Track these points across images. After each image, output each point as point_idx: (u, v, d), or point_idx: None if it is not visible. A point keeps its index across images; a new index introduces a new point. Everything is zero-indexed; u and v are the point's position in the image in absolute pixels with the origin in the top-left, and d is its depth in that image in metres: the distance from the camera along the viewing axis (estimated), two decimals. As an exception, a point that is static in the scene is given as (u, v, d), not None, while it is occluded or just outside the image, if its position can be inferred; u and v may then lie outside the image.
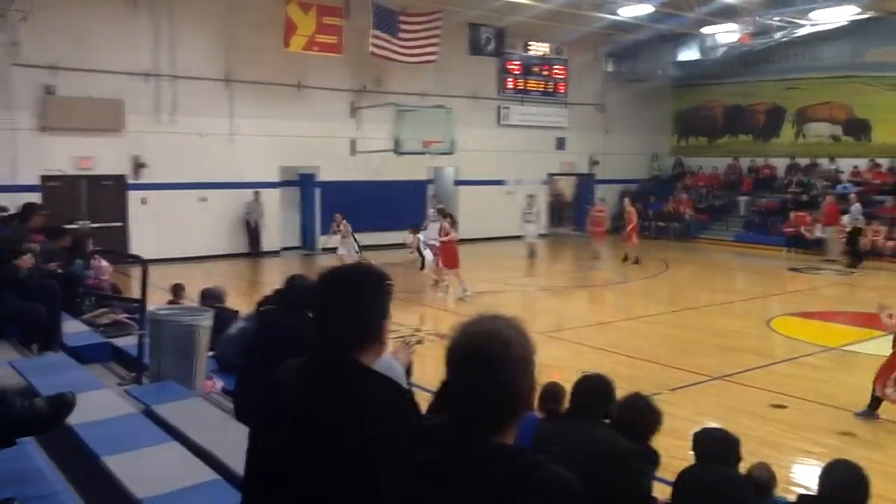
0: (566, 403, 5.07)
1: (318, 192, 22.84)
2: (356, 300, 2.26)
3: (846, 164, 25.75)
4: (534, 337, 1.83)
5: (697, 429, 4.69)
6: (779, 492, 5.65)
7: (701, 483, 4.15)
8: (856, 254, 20.85)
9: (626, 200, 22.59)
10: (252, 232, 21.35)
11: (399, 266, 19.97)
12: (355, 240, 18.55)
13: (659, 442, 4.69)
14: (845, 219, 21.27)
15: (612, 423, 4.43)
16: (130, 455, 4.09)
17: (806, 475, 6.79)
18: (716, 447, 4.31)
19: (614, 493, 3.46)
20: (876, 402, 8.45)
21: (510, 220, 25.76)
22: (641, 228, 28.16)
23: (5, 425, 3.41)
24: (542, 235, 25.76)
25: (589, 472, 1.87)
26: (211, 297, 9.06)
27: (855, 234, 20.92)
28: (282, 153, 21.70)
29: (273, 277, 17.13)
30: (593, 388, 4.36)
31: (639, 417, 4.46)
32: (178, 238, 19.37)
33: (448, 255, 16.34)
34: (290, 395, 2.21)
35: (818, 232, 23.08)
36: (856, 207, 21.33)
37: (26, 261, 6.80)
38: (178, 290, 10.58)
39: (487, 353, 1.75)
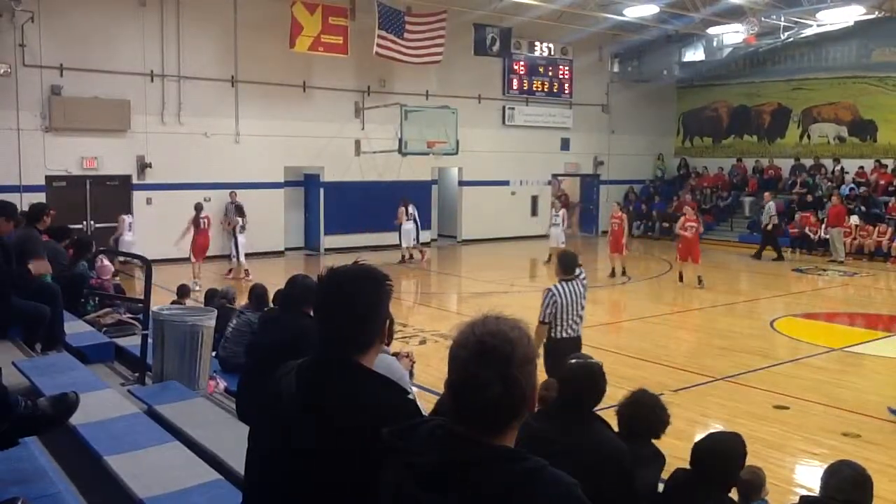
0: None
1: (322, 193, 22.85)
2: (356, 301, 2.27)
3: (851, 165, 25.71)
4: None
5: (702, 436, 4.38)
6: (781, 492, 5.65)
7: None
8: (774, 247, 22.65)
9: (615, 204, 21.02)
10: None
11: (400, 266, 20.03)
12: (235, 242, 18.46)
13: (660, 443, 4.67)
14: (763, 216, 22.96)
15: (618, 420, 4.37)
16: (133, 455, 4.10)
17: (808, 476, 6.79)
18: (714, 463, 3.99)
19: (606, 495, 3.39)
20: None
21: (514, 220, 25.86)
22: (645, 229, 28.27)
23: (8, 425, 3.43)
24: (543, 237, 25.81)
25: (580, 474, 1.85)
26: (218, 298, 9.10)
27: (771, 230, 22.67)
28: (286, 153, 21.74)
29: (276, 278, 17.17)
30: (580, 376, 3.95)
31: (643, 415, 4.34)
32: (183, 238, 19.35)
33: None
34: (290, 396, 2.22)
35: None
36: (770, 205, 22.71)
37: (41, 266, 6.75)
38: (183, 292, 10.63)
39: (492, 353, 1.75)
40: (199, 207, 17.94)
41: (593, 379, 3.94)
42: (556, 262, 7.83)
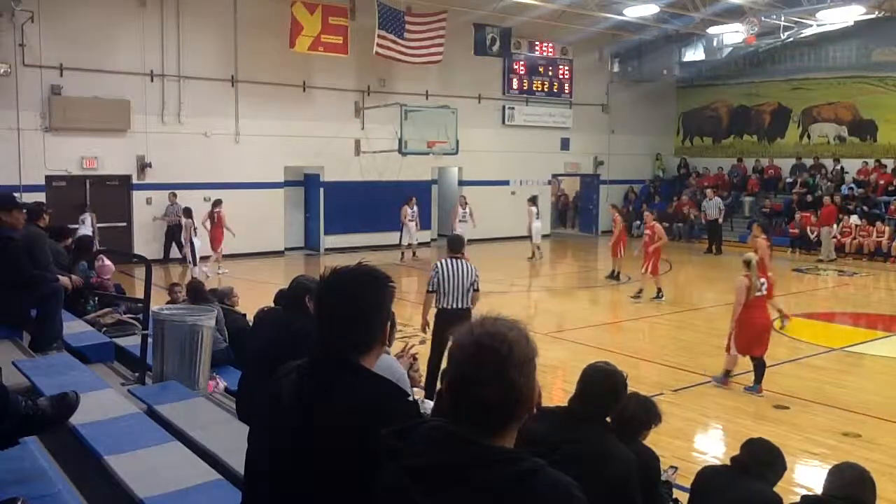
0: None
1: (322, 193, 22.85)
2: (357, 301, 2.27)
3: (851, 165, 25.71)
4: (536, 338, 1.84)
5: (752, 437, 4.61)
6: (781, 492, 5.64)
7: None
8: (715, 242, 24.06)
9: (610, 207, 19.61)
10: (170, 235, 19.80)
11: (402, 266, 20.03)
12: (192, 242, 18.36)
13: (661, 443, 4.69)
14: (709, 211, 24.49)
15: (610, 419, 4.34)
16: (133, 455, 4.10)
17: (808, 476, 6.79)
18: (757, 458, 4.26)
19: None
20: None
21: (514, 220, 25.82)
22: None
23: (8, 425, 3.42)
24: (545, 236, 25.81)
25: (584, 482, 1.84)
26: (207, 294, 9.01)
27: (714, 225, 24.24)
28: (287, 153, 21.73)
29: (276, 278, 17.16)
30: (602, 384, 3.76)
31: (629, 417, 4.30)
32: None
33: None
34: (290, 396, 2.22)
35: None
36: (716, 201, 24.55)
37: (70, 282, 7.24)
38: (172, 289, 10.67)
39: (489, 353, 1.75)
40: (214, 203, 18.69)
41: (615, 389, 3.81)
42: (446, 242, 9.08)
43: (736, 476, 4.21)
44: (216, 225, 18.57)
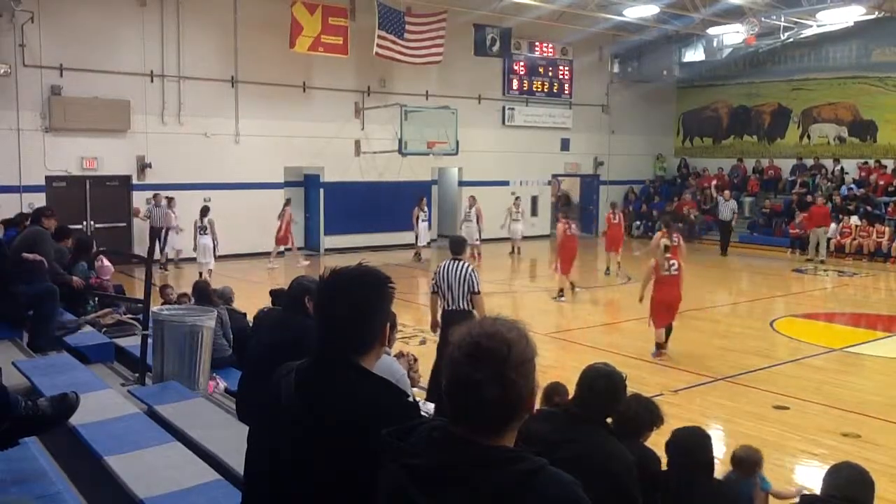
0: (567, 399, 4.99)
1: (322, 193, 22.84)
2: (357, 302, 2.26)
3: (851, 165, 25.71)
4: (535, 338, 1.84)
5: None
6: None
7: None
8: (724, 243, 24.24)
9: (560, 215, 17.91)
10: (158, 236, 19.11)
11: (401, 267, 20.02)
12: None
13: (661, 443, 4.67)
14: (724, 213, 24.65)
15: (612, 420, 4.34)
16: (133, 455, 4.10)
17: (808, 476, 6.79)
18: (685, 448, 4.23)
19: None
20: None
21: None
22: (645, 229, 28.14)
23: (8, 425, 3.42)
24: (545, 236, 25.81)
25: (585, 482, 1.84)
26: (213, 297, 9.04)
27: (726, 226, 24.45)
28: (286, 154, 21.73)
29: (275, 278, 17.17)
30: (602, 386, 3.73)
31: (630, 418, 4.28)
32: (183, 239, 19.29)
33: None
34: (289, 397, 2.22)
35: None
36: (731, 203, 24.84)
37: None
38: (164, 291, 10.70)
39: (488, 353, 1.75)
40: (286, 202, 20.28)
41: (615, 390, 3.81)
42: (448, 243, 9.17)
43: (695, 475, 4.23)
44: (285, 223, 19.73)
